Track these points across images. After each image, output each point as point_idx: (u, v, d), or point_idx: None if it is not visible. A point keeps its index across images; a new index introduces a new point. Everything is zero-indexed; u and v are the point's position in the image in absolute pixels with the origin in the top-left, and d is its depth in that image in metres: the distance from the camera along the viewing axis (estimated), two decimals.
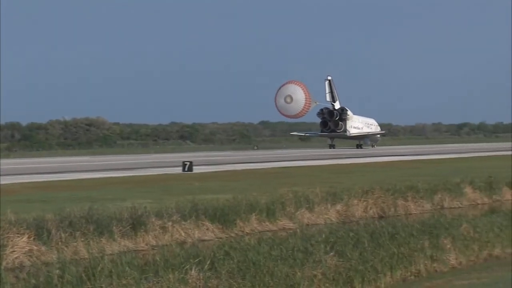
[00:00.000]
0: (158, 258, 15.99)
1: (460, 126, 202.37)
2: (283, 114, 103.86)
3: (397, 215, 29.21)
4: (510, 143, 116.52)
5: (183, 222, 23.73)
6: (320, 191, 29.20)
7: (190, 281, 14.81)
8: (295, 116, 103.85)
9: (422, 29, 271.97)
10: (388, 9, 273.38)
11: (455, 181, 35.03)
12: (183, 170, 44.69)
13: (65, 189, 32.22)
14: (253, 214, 25.79)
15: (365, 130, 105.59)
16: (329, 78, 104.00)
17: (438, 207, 32.05)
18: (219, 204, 25.41)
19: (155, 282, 14.57)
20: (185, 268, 15.19)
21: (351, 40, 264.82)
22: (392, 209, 30.08)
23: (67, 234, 20.74)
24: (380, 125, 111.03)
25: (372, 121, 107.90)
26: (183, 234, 23.46)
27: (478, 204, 34.17)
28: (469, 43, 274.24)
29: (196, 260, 15.75)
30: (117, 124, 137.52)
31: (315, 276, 15.88)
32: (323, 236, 18.89)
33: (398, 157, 63.66)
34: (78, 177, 40.03)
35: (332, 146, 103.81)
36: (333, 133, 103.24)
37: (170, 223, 23.33)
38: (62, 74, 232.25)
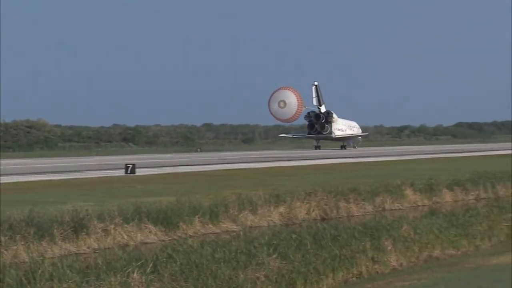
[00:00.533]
0: (100, 261, 15.86)
1: (401, 129, 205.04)
2: (277, 119, 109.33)
3: (340, 217, 29.51)
4: (450, 145, 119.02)
5: (125, 225, 23.57)
6: (263, 194, 29.31)
7: (132, 284, 14.73)
8: (288, 120, 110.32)
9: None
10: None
11: (396, 183, 35.55)
12: (126, 172, 44.38)
13: (4, 192, 31.63)
14: (196, 216, 25.75)
15: (348, 132, 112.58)
16: (316, 83, 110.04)
17: (380, 209, 32.49)
18: (162, 207, 25.30)
19: (96, 285, 14.47)
20: (127, 271, 15.10)
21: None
22: (335, 211, 30.39)
23: (6, 238, 20.43)
24: None
25: (354, 123, 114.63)
26: (125, 237, 23.31)
27: (419, 206, 34.74)
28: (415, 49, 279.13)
29: (139, 263, 15.66)
30: (58, 126, 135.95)
31: (258, 278, 15.95)
32: (266, 238, 18.97)
33: (341, 160, 64.29)
34: (18, 180, 39.35)
35: (317, 147, 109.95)
36: (319, 135, 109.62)
37: (112, 226, 23.17)
38: (1, 76, 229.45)
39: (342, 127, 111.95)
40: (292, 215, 29.07)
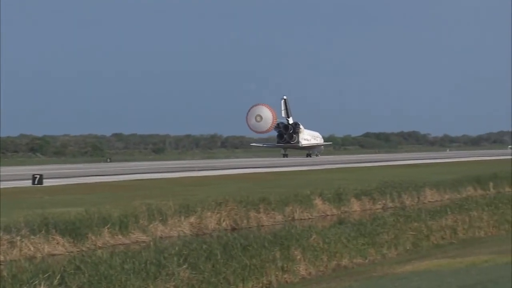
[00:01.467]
0: (5, 274, 15.47)
1: None
2: (254, 131, 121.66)
3: (250, 227, 29.66)
4: (359, 155, 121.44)
5: (32, 237, 23.10)
6: (174, 204, 29.19)
7: None
8: (264, 132, 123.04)
9: None
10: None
11: (306, 193, 36.04)
12: (33, 183, 43.35)
13: None
14: (106, 227, 25.45)
15: (313, 141, 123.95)
16: (285, 97, 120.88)
17: (290, 218, 32.86)
18: (71, 218, 24.90)
19: None
20: (34, 283, 14.80)
21: None
22: (245, 221, 30.56)
23: None
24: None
25: (317, 134, 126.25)
26: (32, 248, 22.86)
27: (328, 215, 35.30)
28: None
29: (46, 275, 15.36)
30: None
31: None
32: (176, 248, 18.90)
33: (252, 170, 64.67)
34: None
35: (285, 155, 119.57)
36: (288, 144, 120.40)
37: (18, 238, 22.70)
38: None
39: (307, 137, 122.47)
40: (202, 225, 29.06)
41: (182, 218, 28.69)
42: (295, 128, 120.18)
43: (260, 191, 37.28)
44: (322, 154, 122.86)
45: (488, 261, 16.56)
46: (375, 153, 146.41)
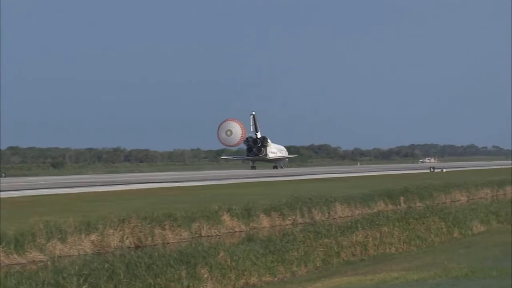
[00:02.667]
0: None
1: (219, 152, 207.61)
2: (225, 144, 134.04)
3: (155, 245, 29.43)
4: (267, 169, 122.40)
5: None
6: (74, 221, 28.67)
7: None
8: (234, 145, 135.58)
9: None
10: None
11: (214, 209, 36.03)
12: None
13: None
14: (0, 246, 24.75)
15: (279, 154, 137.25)
16: (253, 113, 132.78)
17: (196, 235, 32.77)
18: None
19: None
20: None
21: None
22: (150, 238, 30.29)
23: None
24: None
25: (282, 147, 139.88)
26: None
27: (236, 231, 35.39)
28: None
29: None
30: None
31: None
32: (76, 268, 18.57)
33: (158, 184, 64.21)
34: None
35: (253, 167, 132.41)
36: (256, 157, 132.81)
37: None
38: None
39: (274, 150, 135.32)
40: (104, 243, 28.65)
41: (83, 235, 28.21)
42: (263, 142, 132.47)
43: (165, 206, 37.02)
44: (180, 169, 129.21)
45: (399, 278, 16.95)
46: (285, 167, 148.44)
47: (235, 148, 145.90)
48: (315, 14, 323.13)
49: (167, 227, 31.71)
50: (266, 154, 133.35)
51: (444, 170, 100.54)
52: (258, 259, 22.80)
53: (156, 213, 32.65)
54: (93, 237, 28.54)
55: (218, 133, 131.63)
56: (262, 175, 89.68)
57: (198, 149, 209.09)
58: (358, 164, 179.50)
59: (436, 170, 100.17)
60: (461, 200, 55.80)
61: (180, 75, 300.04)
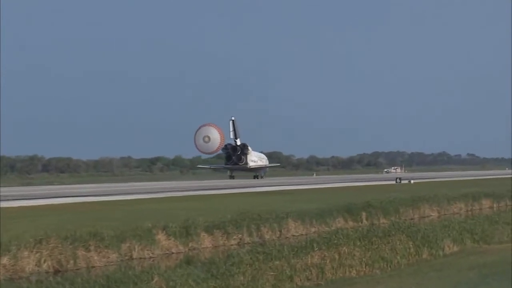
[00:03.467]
0: None
1: (153, 161, 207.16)
2: (202, 151, 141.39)
3: (78, 269, 29.14)
4: (210, 181, 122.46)
5: None
6: None
7: None
8: (212, 153, 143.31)
9: None
10: None
11: (147, 227, 35.83)
12: None
13: None
14: None
15: (259, 163, 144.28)
16: (233, 118, 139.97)
17: (126, 257, 32.55)
18: None
19: None
20: None
21: None
22: (72, 262, 30.00)
23: None
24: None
25: (263, 155, 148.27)
26: None
27: (173, 253, 35.26)
28: None
29: None
30: None
31: None
32: None
33: (82, 198, 63.57)
34: None
35: (232, 177, 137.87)
36: (236, 166, 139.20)
37: None
38: None
39: (254, 158, 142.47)
40: (18, 267, 28.27)
41: None
42: (243, 149, 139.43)
43: (88, 224, 36.68)
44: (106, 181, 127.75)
45: None
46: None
47: (209, 156, 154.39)
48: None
49: (92, 248, 31.43)
50: (246, 163, 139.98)
51: (412, 181, 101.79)
52: (199, 285, 22.75)
53: (79, 231, 32.34)
54: (4, 260, 28.13)
55: (195, 139, 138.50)
56: (216, 187, 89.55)
57: (128, 157, 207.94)
58: (314, 174, 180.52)
59: (403, 182, 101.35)
60: (431, 216, 56.52)
61: (114, 66, 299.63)
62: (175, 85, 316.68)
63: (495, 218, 44.62)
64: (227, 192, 74.95)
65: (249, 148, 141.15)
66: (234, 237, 39.31)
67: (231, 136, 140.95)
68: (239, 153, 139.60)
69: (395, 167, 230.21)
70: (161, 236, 35.61)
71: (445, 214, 57.55)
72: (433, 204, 59.04)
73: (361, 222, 48.49)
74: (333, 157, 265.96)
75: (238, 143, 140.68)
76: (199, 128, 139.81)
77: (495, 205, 65.00)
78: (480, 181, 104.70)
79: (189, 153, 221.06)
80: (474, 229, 38.46)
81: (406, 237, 32.77)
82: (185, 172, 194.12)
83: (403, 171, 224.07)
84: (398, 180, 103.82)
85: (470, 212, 59.71)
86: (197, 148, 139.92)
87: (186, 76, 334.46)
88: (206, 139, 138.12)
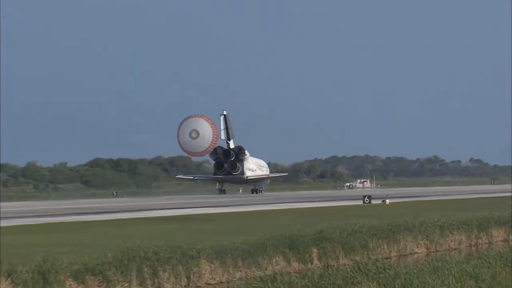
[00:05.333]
0: None
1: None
2: (187, 152, 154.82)
3: None
4: (76, 200, 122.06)
5: None
6: None
7: None
8: (201, 154, 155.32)
9: None
10: None
11: None
12: None
13: None
14: None
15: (259, 172, 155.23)
16: (225, 113, 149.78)
17: None
18: None
19: None
20: None
21: None
22: None
23: None
24: None
25: (262, 162, 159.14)
26: None
27: None
28: None
29: None
30: None
31: None
32: None
33: None
34: None
35: (222, 191, 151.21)
36: (229, 176, 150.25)
37: None
38: None
39: (252, 166, 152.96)
40: None
41: None
42: (239, 154, 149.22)
43: None
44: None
45: None
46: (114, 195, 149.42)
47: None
48: None
49: None
50: (242, 172, 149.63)
51: (388, 201, 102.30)
52: None
53: None
54: None
55: (178, 134, 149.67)
56: (98, 209, 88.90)
57: None
58: (240, 190, 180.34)
59: (374, 201, 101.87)
60: (416, 253, 57.00)
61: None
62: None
63: None
64: (111, 218, 74.57)
65: (246, 152, 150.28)
66: (118, 286, 39.14)
67: (222, 136, 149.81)
68: (233, 159, 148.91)
69: (363, 180, 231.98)
70: (5, 286, 35.29)
71: (437, 251, 58.10)
72: (419, 235, 59.45)
73: (311, 263, 48.71)
74: (269, 164, 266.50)
75: (232, 145, 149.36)
76: (185, 120, 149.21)
77: (511, 237, 65.79)
78: (490, 201, 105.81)
79: (49, 160, 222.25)
80: (480, 274, 38.79)
81: (378, 287, 33.00)
82: (42, 188, 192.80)
83: (374, 185, 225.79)
84: (367, 199, 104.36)
85: (474, 248, 60.38)
86: (181, 147, 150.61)
87: None
88: (194, 134, 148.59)
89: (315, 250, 50.35)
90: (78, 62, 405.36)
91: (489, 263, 42.09)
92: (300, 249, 49.77)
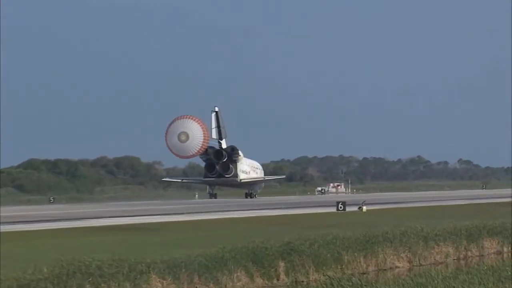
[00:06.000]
0: None
1: None
2: (177, 155, 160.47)
3: None
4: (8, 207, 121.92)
5: None
6: None
7: None
8: (191, 156, 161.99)
9: None
10: None
11: None
12: None
13: None
14: None
15: (253, 175, 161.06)
16: (216, 109, 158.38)
17: None
18: None
19: None
20: None
21: None
22: None
23: None
24: None
25: (256, 163, 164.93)
26: None
27: None
28: None
29: None
30: None
31: None
32: None
33: None
34: None
35: (213, 195, 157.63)
36: (221, 179, 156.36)
37: None
38: None
39: (246, 168, 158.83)
40: None
41: None
42: (232, 155, 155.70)
43: None
44: None
45: None
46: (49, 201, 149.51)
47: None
48: None
49: None
50: (236, 175, 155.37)
51: (365, 207, 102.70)
52: None
53: None
54: None
55: (166, 137, 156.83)
56: (31, 217, 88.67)
57: None
58: (196, 196, 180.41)
59: (349, 208, 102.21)
60: (397, 267, 57.23)
61: None
62: None
63: (507, 271, 45.30)
64: (47, 228, 74.52)
65: (240, 153, 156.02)
66: None
67: (214, 135, 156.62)
68: (225, 160, 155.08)
69: (336, 184, 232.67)
70: None
71: (420, 265, 58.35)
72: (400, 247, 59.64)
73: (277, 279, 48.84)
74: None
75: (224, 145, 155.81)
76: (173, 121, 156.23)
77: (505, 249, 66.08)
78: (482, 207, 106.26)
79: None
80: None
81: None
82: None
83: (349, 190, 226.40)
84: (341, 205, 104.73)
85: (463, 261, 60.66)
86: (170, 149, 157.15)
87: None
88: (183, 137, 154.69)
89: (282, 264, 50.45)
90: None
91: (480, 278, 42.34)
92: (265, 263, 49.86)
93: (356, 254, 55.76)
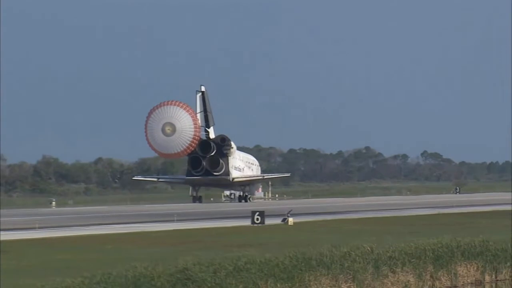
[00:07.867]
0: None
1: None
2: (161, 153, 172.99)
3: None
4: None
5: None
6: None
7: None
8: (179, 155, 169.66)
9: None
10: None
11: None
12: None
13: None
14: None
15: (248, 172, 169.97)
16: (203, 89, 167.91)
17: None
18: None
19: None
20: None
21: None
22: None
23: None
24: None
25: (252, 158, 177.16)
26: None
27: None
28: None
29: None
30: None
31: None
32: None
33: None
34: None
35: (197, 198, 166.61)
36: (209, 178, 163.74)
37: None
38: None
39: (239, 164, 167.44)
40: None
41: None
42: (222, 147, 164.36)
43: None
44: None
45: None
46: None
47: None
48: None
49: None
50: (227, 172, 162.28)
51: (291, 219, 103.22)
52: None
53: None
54: None
55: (146, 130, 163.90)
56: None
57: None
58: (53, 203, 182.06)
59: (268, 221, 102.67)
60: None
61: None
62: None
63: None
64: None
65: (232, 144, 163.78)
66: None
67: (199, 122, 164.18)
68: (213, 153, 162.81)
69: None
70: None
71: None
72: (340, 275, 60.18)
73: None
74: (100, 159, 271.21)
75: (212, 135, 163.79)
76: (155, 108, 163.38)
77: (487, 277, 66.68)
78: (455, 219, 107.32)
79: None
80: None
81: None
82: None
83: (269, 194, 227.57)
84: (257, 217, 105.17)
85: None
86: (151, 146, 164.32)
87: None
88: (168, 129, 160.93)
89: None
90: None
91: None
92: None
93: (279, 285, 56.16)
